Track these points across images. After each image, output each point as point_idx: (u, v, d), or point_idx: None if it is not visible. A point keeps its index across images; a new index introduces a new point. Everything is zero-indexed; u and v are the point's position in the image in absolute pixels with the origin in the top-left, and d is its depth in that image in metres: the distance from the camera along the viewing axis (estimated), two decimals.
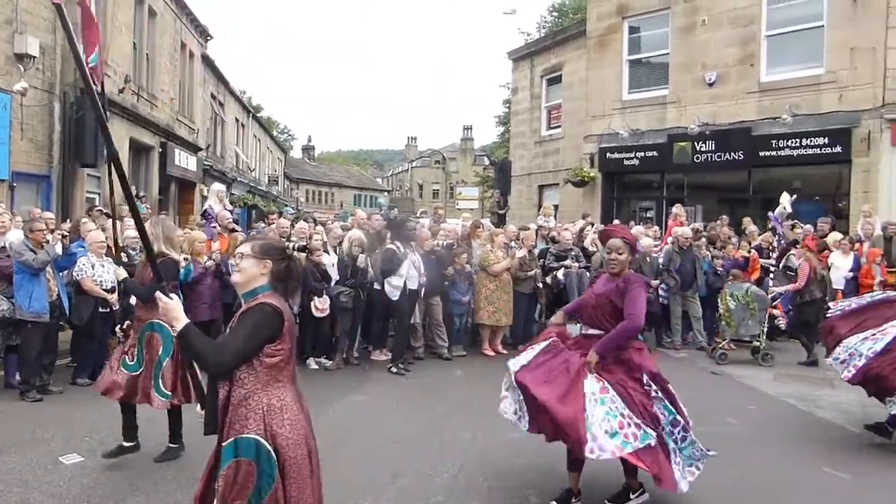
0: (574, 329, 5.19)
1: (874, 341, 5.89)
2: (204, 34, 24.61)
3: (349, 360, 9.67)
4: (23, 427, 6.36)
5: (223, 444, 2.91)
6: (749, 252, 11.94)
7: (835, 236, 12.22)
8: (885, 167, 13.70)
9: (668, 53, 17.16)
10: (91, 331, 8.04)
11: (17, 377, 7.57)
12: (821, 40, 14.63)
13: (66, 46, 13.38)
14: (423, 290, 9.74)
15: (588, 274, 10.71)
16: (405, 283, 9.24)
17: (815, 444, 6.45)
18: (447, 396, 7.97)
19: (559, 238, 11.30)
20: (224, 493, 2.85)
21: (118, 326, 4.84)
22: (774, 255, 10.87)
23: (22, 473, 5.27)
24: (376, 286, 9.59)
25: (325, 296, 9.24)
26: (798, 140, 14.68)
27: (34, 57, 12.84)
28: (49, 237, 8.08)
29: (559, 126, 21.96)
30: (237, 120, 33.27)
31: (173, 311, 2.99)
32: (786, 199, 11.03)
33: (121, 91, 16.05)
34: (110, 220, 6.95)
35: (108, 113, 13.90)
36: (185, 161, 21.30)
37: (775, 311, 10.40)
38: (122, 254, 7.48)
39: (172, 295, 3.06)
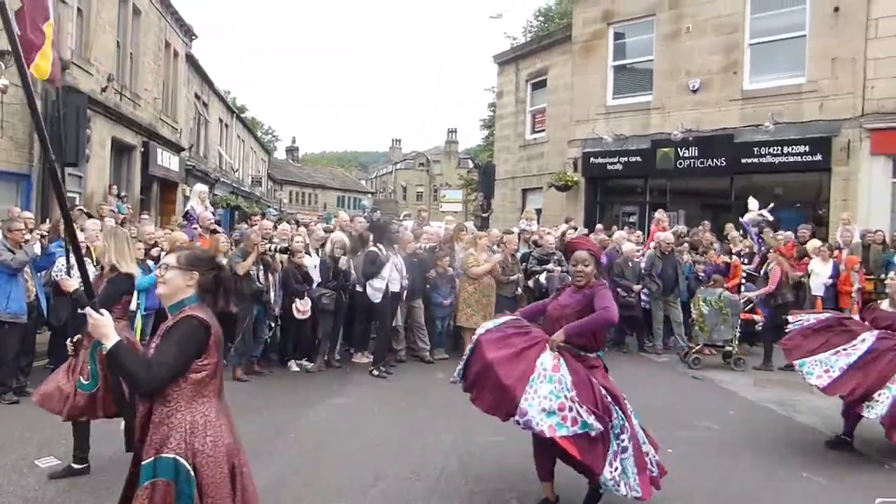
0: None
1: (847, 356, 5.99)
2: (189, 33, 24.48)
3: (331, 363, 9.64)
4: None
5: (142, 462, 2.82)
6: (731, 258, 12.05)
7: (814, 243, 12.34)
8: (864, 176, 13.86)
9: (652, 60, 17.27)
10: (69, 332, 7.94)
11: None
12: (803, 50, 14.80)
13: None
14: (405, 292, 9.74)
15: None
16: (387, 285, 9.23)
17: (793, 448, 6.51)
18: (429, 399, 7.96)
19: (542, 242, 11.32)
20: None
21: (69, 339, 4.72)
22: (756, 261, 10.99)
23: None
24: (358, 288, 9.58)
25: (306, 298, 9.23)
26: (779, 148, 14.83)
27: None
28: (28, 237, 7.98)
29: (543, 130, 22.02)
30: (221, 120, 33.09)
31: (102, 328, 2.84)
32: (754, 205, 11.18)
33: (103, 90, 15.92)
34: (90, 220, 6.87)
35: (89, 112, 13.84)
36: (167, 161, 21.15)
37: (756, 317, 10.50)
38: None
39: (104, 311, 2.91)
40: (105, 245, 5.31)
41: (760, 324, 10.51)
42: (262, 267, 8.86)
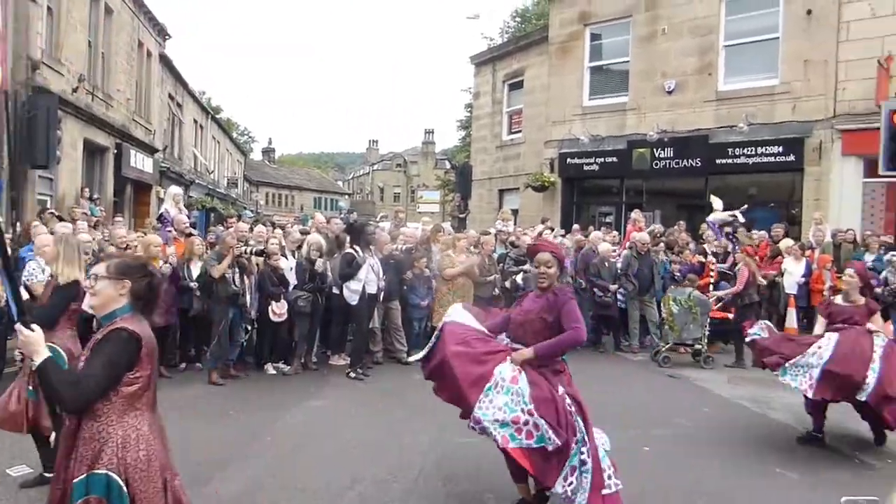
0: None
1: (820, 357, 6.07)
2: (162, 33, 24.23)
3: (307, 365, 9.58)
4: None
5: (74, 480, 2.74)
6: (706, 257, 12.15)
7: (787, 243, 12.50)
8: (836, 176, 14.06)
9: (628, 61, 17.38)
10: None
11: None
12: (776, 52, 14.97)
13: (17, 43, 13.06)
14: (382, 294, 9.71)
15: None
16: (364, 287, 9.19)
17: (767, 444, 6.59)
18: (406, 401, 7.93)
19: (518, 243, 11.35)
20: None
21: (18, 349, 4.63)
22: (730, 261, 11.11)
23: None
24: (335, 290, 9.53)
25: (282, 300, 9.16)
26: (753, 148, 14.99)
27: None
28: None
29: (520, 131, 22.08)
30: (195, 121, 32.80)
31: (32, 344, 2.74)
32: (718, 204, 11.32)
33: (74, 90, 15.70)
34: (60, 224, 6.75)
35: (60, 112, 13.64)
36: (141, 163, 20.90)
37: (729, 315, 10.61)
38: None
39: (34, 326, 2.82)
40: (55, 251, 5.20)
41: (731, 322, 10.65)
42: (237, 270, 8.78)
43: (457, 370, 4.38)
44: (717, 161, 15.50)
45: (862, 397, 5.92)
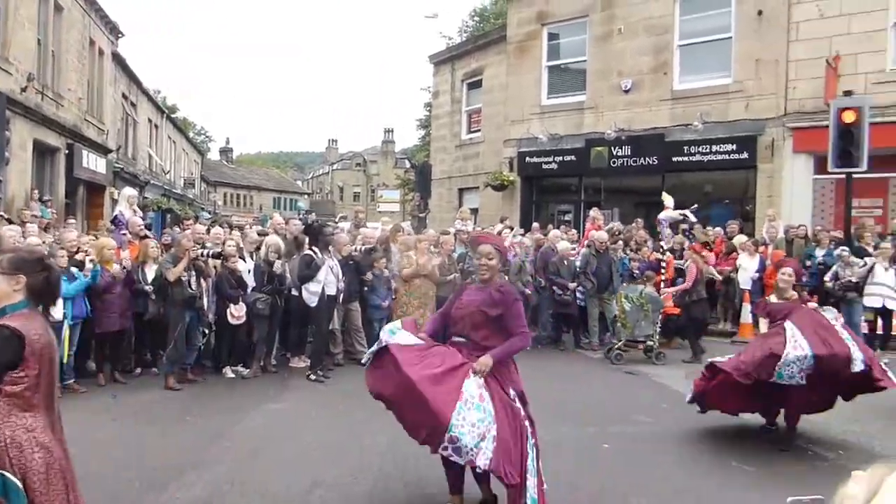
0: None
1: (801, 350, 5.96)
2: (114, 31, 23.72)
3: (267, 368, 9.48)
4: None
5: None
6: (664, 255, 12.31)
7: (741, 239, 12.74)
8: (788, 173, 14.39)
9: (585, 60, 17.55)
10: None
11: None
12: (729, 52, 15.27)
13: None
14: (341, 295, 9.64)
15: (506, 277, 10.80)
16: (323, 288, 9.12)
17: (724, 439, 6.69)
18: (366, 402, 7.75)
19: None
20: None
21: None
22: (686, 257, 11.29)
23: None
24: (294, 292, 9.44)
25: (241, 303, 9.05)
26: (708, 146, 15.26)
27: None
28: None
29: (479, 130, 22.16)
30: (150, 121, 32.20)
31: None
32: (669, 201, 11.51)
33: (23, 90, 15.29)
34: (7, 227, 6.57)
35: (7, 113, 13.28)
36: (93, 163, 20.45)
37: (675, 311, 10.81)
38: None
39: None
40: None
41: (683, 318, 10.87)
42: (194, 272, 8.64)
43: (426, 392, 4.21)
44: (674, 159, 15.74)
45: (856, 368, 5.97)
